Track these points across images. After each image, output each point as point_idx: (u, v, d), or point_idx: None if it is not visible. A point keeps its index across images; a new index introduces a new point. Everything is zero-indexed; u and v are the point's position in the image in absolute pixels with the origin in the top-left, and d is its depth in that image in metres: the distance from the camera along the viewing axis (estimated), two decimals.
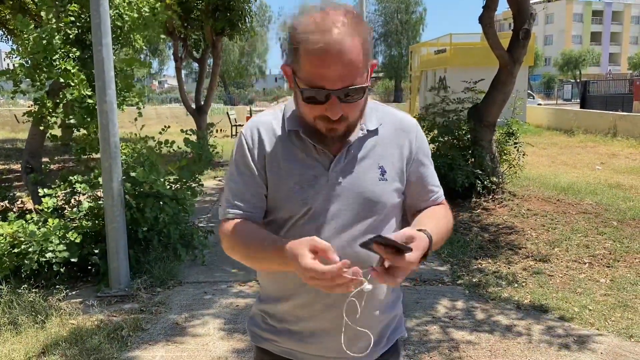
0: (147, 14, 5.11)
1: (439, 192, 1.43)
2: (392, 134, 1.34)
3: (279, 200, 1.29)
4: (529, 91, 30.56)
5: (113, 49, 4.40)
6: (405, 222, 1.42)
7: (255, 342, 1.43)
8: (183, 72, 15.03)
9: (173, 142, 5.25)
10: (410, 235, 1.13)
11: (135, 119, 5.24)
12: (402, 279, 1.12)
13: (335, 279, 1.05)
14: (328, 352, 1.33)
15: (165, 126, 5.88)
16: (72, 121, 4.79)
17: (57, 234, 4.22)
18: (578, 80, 41.20)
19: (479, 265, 4.93)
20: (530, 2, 6.96)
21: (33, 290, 4.08)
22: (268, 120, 1.33)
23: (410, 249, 1.09)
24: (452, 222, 1.40)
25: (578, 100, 28.02)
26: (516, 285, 4.44)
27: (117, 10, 5.01)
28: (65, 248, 4.19)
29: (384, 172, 1.30)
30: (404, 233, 1.14)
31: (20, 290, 4.00)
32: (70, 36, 4.92)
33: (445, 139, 7.28)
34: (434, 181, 1.41)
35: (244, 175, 1.31)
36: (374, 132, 1.32)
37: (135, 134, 5.31)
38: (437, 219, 1.32)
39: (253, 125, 1.33)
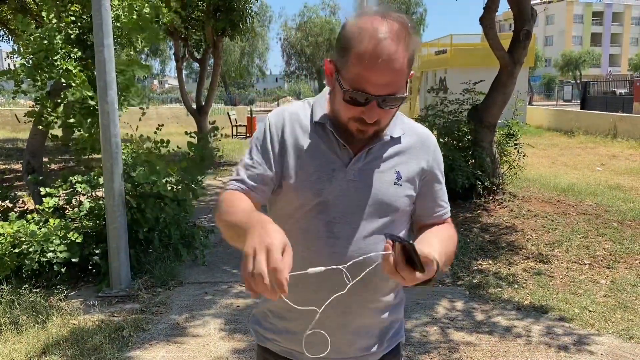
0: (146, 15, 5.10)
1: (447, 208, 1.46)
2: (412, 145, 1.37)
3: (294, 187, 1.30)
4: None
5: (115, 49, 4.41)
6: (411, 232, 1.44)
7: (258, 340, 1.44)
8: (184, 72, 15.03)
9: (168, 141, 5.25)
10: (430, 260, 1.14)
11: (140, 119, 5.26)
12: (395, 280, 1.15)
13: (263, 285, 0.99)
14: (328, 351, 1.34)
15: (159, 125, 5.87)
16: (71, 120, 4.79)
17: (58, 234, 4.23)
18: (578, 81, 41.19)
19: (479, 266, 4.94)
20: (531, 3, 6.97)
21: (34, 290, 4.09)
22: (295, 110, 1.36)
23: (423, 271, 1.11)
24: (457, 242, 1.43)
25: (578, 102, 28.02)
26: (516, 286, 4.45)
27: (116, 12, 5.01)
28: (66, 248, 4.20)
29: (400, 177, 1.33)
30: (427, 255, 1.13)
31: (21, 290, 4.01)
32: (71, 36, 4.93)
33: (446, 139, 7.28)
34: (444, 197, 1.45)
35: (259, 155, 1.34)
36: (397, 140, 1.35)
37: (134, 135, 5.31)
38: (446, 243, 1.33)
39: (280, 113, 1.37)
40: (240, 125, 18.27)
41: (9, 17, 12.35)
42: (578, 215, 6.59)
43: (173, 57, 13.71)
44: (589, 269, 4.86)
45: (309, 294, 1.30)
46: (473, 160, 7.08)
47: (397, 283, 1.41)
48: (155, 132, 5.58)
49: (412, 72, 1.24)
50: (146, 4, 5.17)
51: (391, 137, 1.33)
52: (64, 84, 4.80)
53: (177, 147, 5.93)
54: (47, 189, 4.59)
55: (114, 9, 5.00)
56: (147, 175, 4.50)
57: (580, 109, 23.11)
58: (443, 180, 1.44)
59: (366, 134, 1.25)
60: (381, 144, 1.32)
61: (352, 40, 1.17)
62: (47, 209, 4.46)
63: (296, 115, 1.35)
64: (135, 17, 5.07)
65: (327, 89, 1.35)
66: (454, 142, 7.33)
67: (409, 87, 1.24)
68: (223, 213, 1.27)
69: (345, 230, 1.28)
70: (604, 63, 62.78)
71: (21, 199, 5.48)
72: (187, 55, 13.51)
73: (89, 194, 4.73)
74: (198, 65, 14.33)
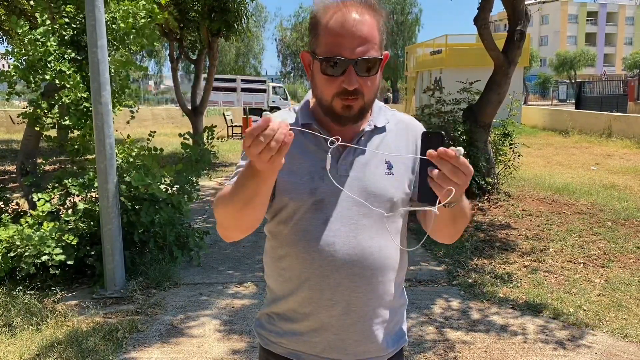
0: (142, 19, 5.08)
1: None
2: (398, 131, 1.38)
3: (288, 190, 1.31)
4: None
5: (108, 50, 4.39)
6: (409, 223, 1.43)
7: (263, 344, 1.44)
8: (180, 72, 15.00)
9: (162, 149, 5.23)
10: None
11: (128, 122, 5.24)
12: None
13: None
14: (333, 352, 1.34)
15: (151, 131, 5.85)
16: (66, 122, 4.77)
17: (53, 236, 4.21)
18: (573, 81, 41.31)
19: (475, 266, 4.95)
20: (525, 3, 6.99)
21: (28, 292, 4.07)
22: (282, 116, 1.39)
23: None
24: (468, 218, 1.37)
25: (573, 101, 28.13)
26: (511, 285, 4.46)
27: (112, 14, 4.98)
28: (60, 250, 4.18)
29: (391, 167, 1.33)
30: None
31: (15, 293, 4.00)
32: (65, 37, 4.90)
33: None
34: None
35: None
36: (382, 129, 1.36)
37: (128, 136, 5.30)
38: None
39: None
40: (235, 126, 18.27)
41: (2, 18, 12.30)
42: (573, 214, 6.61)
43: (168, 58, 13.67)
44: (584, 268, 4.88)
45: (313, 293, 1.31)
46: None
47: (400, 282, 1.41)
48: (148, 139, 5.56)
49: (387, 52, 1.27)
50: (142, 8, 5.14)
51: (375, 126, 1.34)
52: (58, 85, 4.78)
53: (175, 149, 5.91)
54: (39, 194, 4.55)
55: (110, 12, 4.98)
56: (142, 178, 4.49)
57: (575, 108, 23.20)
58: None
59: (352, 110, 1.25)
60: (367, 134, 1.33)
61: (320, 18, 1.23)
62: (41, 213, 4.43)
63: (284, 119, 1.36)
64: (131, 20, 5.05)
65: (309, 95, 1.37)
66: (449, 141, 7.34)
67: (382, 64, 1.25)
68: (222, 197, 1.24)
69: (344, 227, 1.29)
70: (598, 63, 62.92)
71: (16, 201, 5.45)
72: (182, 56, 13.47)
73: (84, 196, 4.71)
74: (193, 66, 14.31)
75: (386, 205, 1.31)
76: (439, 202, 1.09)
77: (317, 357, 1.35)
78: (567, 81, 45.13)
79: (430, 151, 1.07)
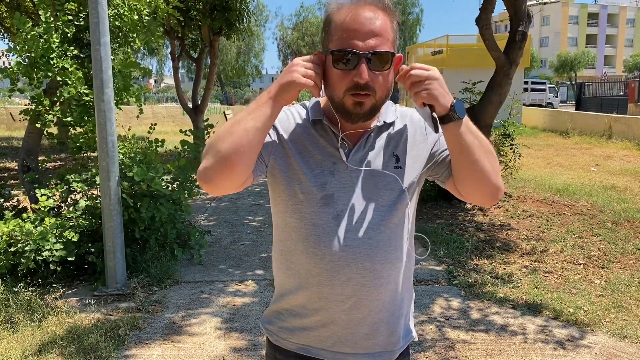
0: (147, 16, 5.10)
1: None
2: (407, 126, 1.39)
3: (300, 179, 1.32)
4: None
5: (111, 48, 4.40)
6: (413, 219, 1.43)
7: (273, 340, 1.44)
8: (180, 71, 15.00)
9: (163, 140, 5.23)
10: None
11: (137, 117, 5.25)
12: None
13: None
14: (343, 346, 1.34)
15: (152, 124, 5.87)
16: (68, 119, 4.78)
17: (54, 232, 4.22)
18: (573, 83, 41.30)
19: (475, 266, 4.96)
20: (527, 4, 7.00)
21: (29, 288, 4.08)
22: (293, 111, 1.40)
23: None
24: (495, 156, 1.33)
25: (573, 102, 28.14)
26: (512, 285, 4.47)
27: (116, 11, 4.99)
28: (62, 247, 4.19)
29: (399, 160, 1.34)
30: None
31: (16, 289, 4.01)
32: (68, 35, 4.91)
33: None
34: None
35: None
36: (391, 125, 1.37)
37: (129, 135, 5.31)
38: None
39: (284, 109, 1.39)
40: None
41: (4, 15, 12.31)
42: (573, 215, 6.62)
43: (169, 56, 13.67)
44: (584, 269, 4.89)
45: (323, 288, 1.31)
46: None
47: (409, 274, 1.42)
48: (149, 132, 5.57)
49: (400, 54, 1.27)
50: (146, 5, 5.15)
51: (385, 122, 1.35)
52: (60, 82, 4.78)
53: (174, 147, 5.92)
54: (43, 190, 4.56)
55: (113, 8, 4.99)
56: (145, 173, 4.49)
57: (575, 109, 23.21)
58: None
59: (363, 108, 1.25)
60: (377, 129, 1.35)
61: (333, 15, 1.24)
62: (42, 208, 4.45)
63: (297, 113, 1.39)
64: (135, 17, 5.06)
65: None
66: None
67: (396, 63, 1.25)
68: (226, 127, 1.23)
69: (354, 222, 1.29)
70: (599, 64, 62.99)
71: (17, 198, 5.46)
72: (183, 55, 13.47)
73: (85, 193, 4.72)
74: (194, 64, 14.32)
75: (395, 199, 1.32)
76: (432, 113, 1.21)
77: (328, 352, 1.36)
78: (568, 82, 45.13)
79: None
